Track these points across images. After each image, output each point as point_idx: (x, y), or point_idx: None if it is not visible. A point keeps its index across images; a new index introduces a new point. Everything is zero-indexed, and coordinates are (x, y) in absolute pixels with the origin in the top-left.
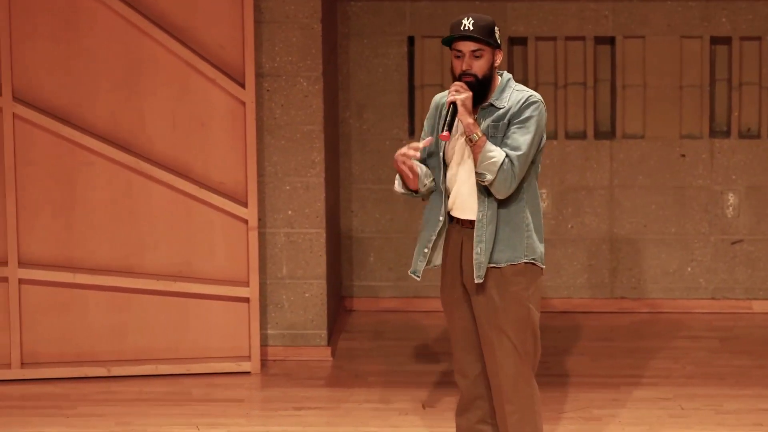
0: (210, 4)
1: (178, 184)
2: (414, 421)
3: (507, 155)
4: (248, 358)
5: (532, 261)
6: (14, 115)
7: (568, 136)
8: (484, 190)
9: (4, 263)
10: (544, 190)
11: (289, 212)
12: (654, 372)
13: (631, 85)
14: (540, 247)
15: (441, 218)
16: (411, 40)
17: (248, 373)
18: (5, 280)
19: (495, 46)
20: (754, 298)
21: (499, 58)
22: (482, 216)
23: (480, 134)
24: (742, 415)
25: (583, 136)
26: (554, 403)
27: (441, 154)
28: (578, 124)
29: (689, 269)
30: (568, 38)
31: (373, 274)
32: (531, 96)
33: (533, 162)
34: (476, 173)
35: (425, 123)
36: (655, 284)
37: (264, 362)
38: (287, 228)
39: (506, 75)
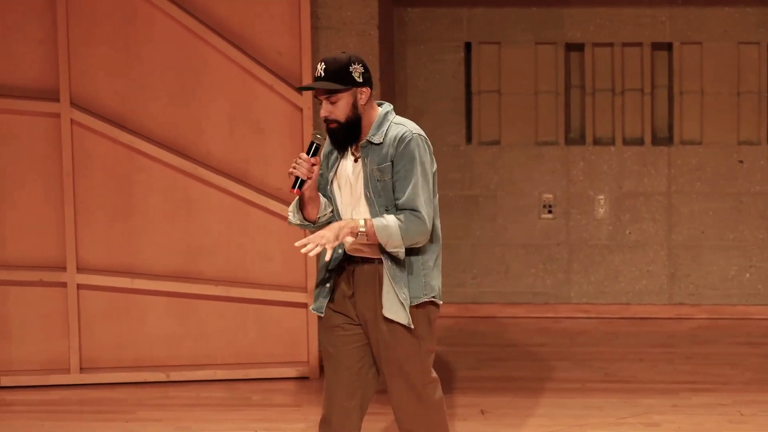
0: (267, 11)
1: (235, 189)
2: (473, 427)
3: (403, 212)
4: (306, 363)
5: (432, 299)
6: (72, 121)
7: (626, 142)
8: None
9: (63, 269)
10: (602, 196)
11: None
12: (713, 378)
13: (688, 91)
14: (437, 283)
15: (340, 251)
16: (468, 46)
17: (306, 378)
18: (63, 285)
19: (355, 86)
20: None
21: (363, 95)
22: (389, 256)
23: (363, 224)
24: None
25: (640, 142)
26: (613, 409)
27: (328, 189)
28: (636, 131)
29: (747, 275)
30: (625, 44)
31: None
32: (405, 134)
33: None
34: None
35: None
36: (713, 290)
37: (322, 368)
38: None
39: (385, 107)
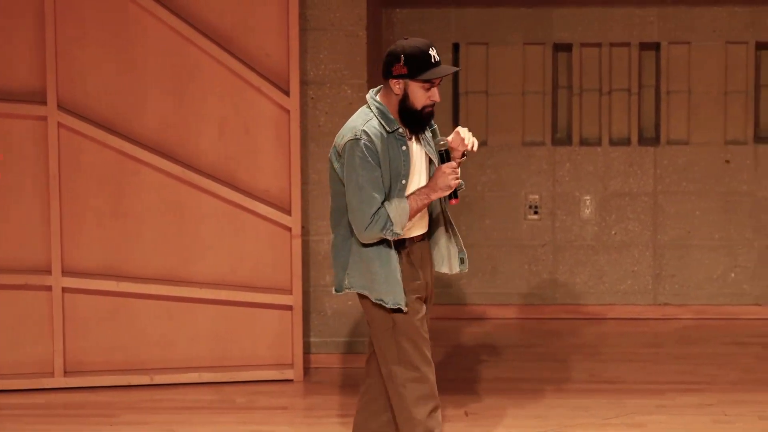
0: (256, 13)
1: (224, 192)
2: (457, 428)
3: None
4: (291, 365)
5: None
6: (59, 124)
7: (612, 142)
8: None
9: (48, 272)
10: (588, 197)
11: None
12: (699, 378)
13: (675, 91)
14: None
15: (392, 243)
16: (456, 47)
17: (291, 380)
18: (48, 288)
19: None
20: None
21: None
22: (438, 218)
23: None
24: None
25: (627, 142)
26: (599, 409)
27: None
28: (622, 131)
29: (733, 275)
30: (613, 44)
31: None
32: None
33: None
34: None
35: (376, 158)
36: (699, 290)
37: (307, 370)
38: (330, 236)
39: None
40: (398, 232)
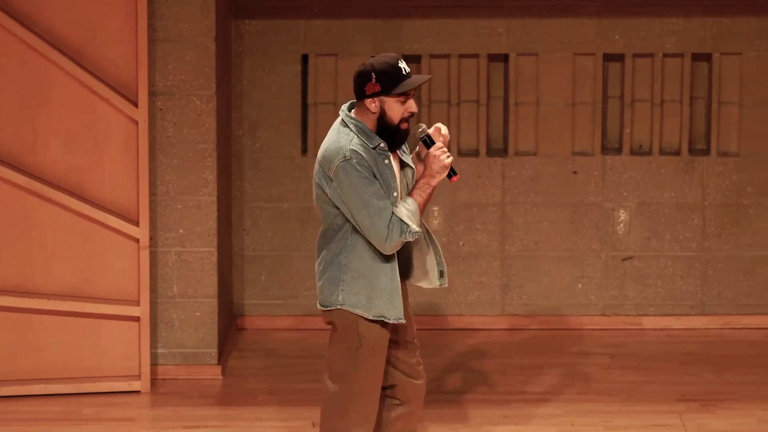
0: (104, 24)
1: (71, 204)
2: None
3: None
4: (138, 377)
5: None
6: None
7: (461, 153)
8: None
9: None
10: (436, 208)
11: (181, 231)
12: (545, 388)
13: (523, 102)
14: None
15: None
16: (305, 58)
17: (139, 392)
18: None
19: None
20: (644, 314)
21: None
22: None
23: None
24: (632, 431)
25: (475, 153)
26: (446, 420)
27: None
28: (471, 142)
29: (580, 286)
30: (462, 56)
31: (265, 292)
32: None
33: None
34: None
35: (370, 172)
36: (546, 301)
37: (154, 381)
38: (178, 247)
39: None
40: (417, 230)
